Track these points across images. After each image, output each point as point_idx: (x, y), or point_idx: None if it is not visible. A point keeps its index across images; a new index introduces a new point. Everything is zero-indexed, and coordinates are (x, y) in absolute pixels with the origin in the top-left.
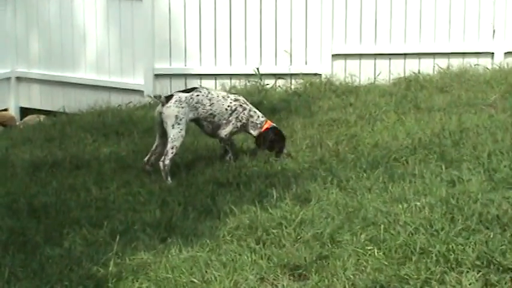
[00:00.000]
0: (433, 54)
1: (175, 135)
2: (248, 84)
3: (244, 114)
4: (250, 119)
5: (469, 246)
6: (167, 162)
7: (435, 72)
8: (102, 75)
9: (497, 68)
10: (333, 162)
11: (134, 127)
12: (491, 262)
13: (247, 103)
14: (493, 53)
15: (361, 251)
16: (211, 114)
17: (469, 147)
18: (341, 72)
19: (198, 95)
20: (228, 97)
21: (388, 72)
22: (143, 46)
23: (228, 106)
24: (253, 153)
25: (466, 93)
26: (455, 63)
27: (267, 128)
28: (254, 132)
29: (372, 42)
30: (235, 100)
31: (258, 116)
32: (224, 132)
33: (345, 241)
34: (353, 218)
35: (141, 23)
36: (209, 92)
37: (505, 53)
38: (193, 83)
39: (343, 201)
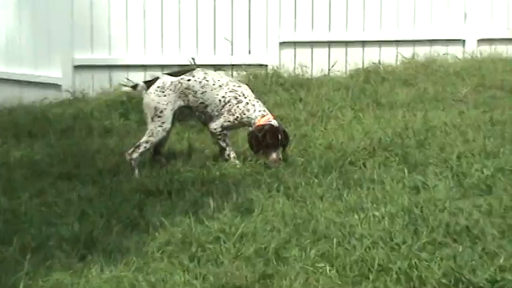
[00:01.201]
0: (396, 42)
1: (153, 129)
2: None
3: (238, 107)
4: (247, 114)
5: (435, 262)
6: (135, 156)
7: (398, 63)
8: (12, 67)
9: (469, 57)
10: (279, 166)
11: (50, 127)
12: (460, 280)
13: (247, 94)
14: (464, 40)
15: (310, 268)
16: (202, 103)
17: (436, 148)
18: (290, 63)
19: (189, 80)
20: (227, 85)
21: (344, 62)
22: (60, 33)
23: (222, 97)
24: (187, 155)
25: (434, 86)
26: (421, 51)
27: (258, 125)
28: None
29: (325, 29)
30: (232, 90)
31: (255, 110)
32: (214, 125)
33: (292, 257)
34: (302, 231)
35: (57, 6)
36: (205, 77)
37: (478, 40)
38: (119, 75)
39: (290, 212)
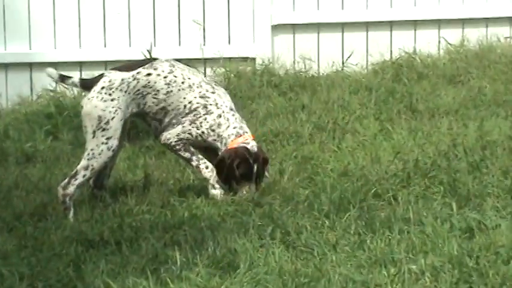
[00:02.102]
0: (438, 22)
1: (94, 149)
2: None
3: (206, 119)
4: (217, 130)
5: None
6: (70, 190)
7: (441, 51)
8: None
9: None
10: (274, 202)
11: None
12: None
13: (221, 104)
14: None
15: None
16: (163, 108)
17: (497, 173)
18: (287, 55)
19: (149, 74)
20: (198, 87)
21: (364, 52)
22: None
23: (189, 102)
24: (143, 190)
25: (492, 84)
26: (474, 35)
27: (230, 148)
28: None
29: (337, 5)
30: (202, 96)
31: (229, 126)
32: (167, 135)
33: None
34: None
35: None
36: (171, 71)
37: None
38: (43, 76)
39: (291, 267)
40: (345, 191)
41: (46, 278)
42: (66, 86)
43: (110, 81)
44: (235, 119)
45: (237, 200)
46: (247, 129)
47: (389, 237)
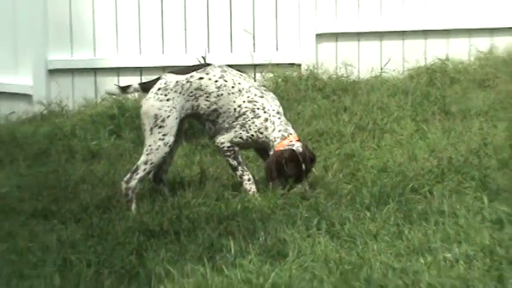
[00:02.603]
0: (469, 31)
1: (152, 145)
2: None
3: (254, 123)
4: (264, 133)
5: None
6: (133, 184)
7: (472, 57)
8: None
9: None
10: (319, 196)
11: (19, 151)
12: None
13: (268, 108)
14: None
15: None
16: (215, 110)
17: None
18: (330, 61)
19: (201, 78)
20: (248, 92)
21: (401, 59)
22: (30, 29)
23: (238, 106)
24: (199, 184)
25: None
26: (503, 43)
27: (277, 151)
28: (270, 152)
29: (376, 15)
30: (251, 101)
31: (274, 129)
32: (221, 139)
33: None
34: (351, 280)
35: None
36: (222, 76)
37: None
38: (107, 80)
39: (335, 255)
40: (384, 186)
41: (111, 265)
42: (129, 94)
43: (165, 83)
44: (281, 122)
45: (285, 194)
46: (291, 131)
47: (426, 228)
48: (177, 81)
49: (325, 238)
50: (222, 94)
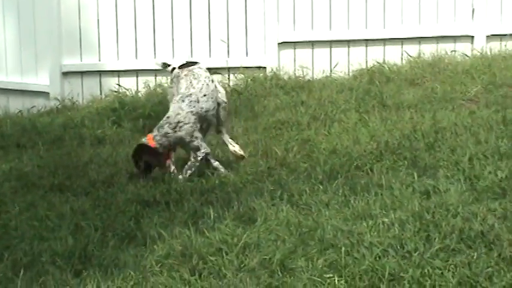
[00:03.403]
0: (401, 40)
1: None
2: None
3: None
4: None
5: (449, 270)
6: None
7: (404, 62)
8: None
9: (479, 54)
10: (282, 173)
11: (39, 137)
12: None
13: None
14: (472, 37)
15: (318, 279)
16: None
17: (446, 150)
18: (290, 64)
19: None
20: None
21: (346, 62)
22: (47, 38)
23: None
24: (183, 163)
25: (442, 85)
26: (428, 49)
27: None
28: None
29: (326, 27)
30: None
31: None
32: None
33: (298, 268)
34: (308, 240)
35: (43, 11)
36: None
37: (487, 37)
38: (109, 80)
39: (295, 220)
40: (334, 165)
41: (114, 229)
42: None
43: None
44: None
45: (254, 171)
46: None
47: (368, 198)
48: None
49: (286, 206)
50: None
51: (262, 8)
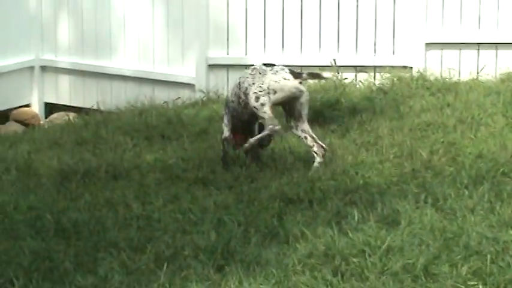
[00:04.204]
0: None
1: None
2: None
3: None
4: None
5: None
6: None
7: None
8: (145, 65)
9: None
10: (426, 176)
11: (184, 129)
12: None
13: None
14: None
15: (462, 286)
16: None
17: None
18: (436, 65)
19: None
20: None
21: (494, 65)
22: (195, 30)
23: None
24: (328, 162)
25: None
26: None
27: None
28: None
29: (474, 28)
30: None
31: None
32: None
33: (442, 274)
34: (452, 246)
35: (192, 3)
36: None
37: None
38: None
39: (439, 225)
40: (479, 169)
41: (256, 225)
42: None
43: None
44: None
45: (399, 173)
46: None
47: None
48: None
49: (431, 210)
50: None
51: (410, 8)
